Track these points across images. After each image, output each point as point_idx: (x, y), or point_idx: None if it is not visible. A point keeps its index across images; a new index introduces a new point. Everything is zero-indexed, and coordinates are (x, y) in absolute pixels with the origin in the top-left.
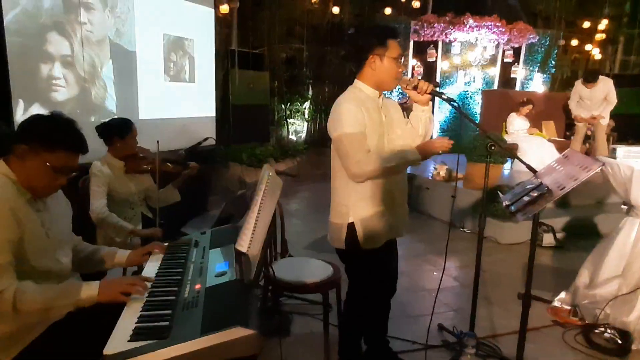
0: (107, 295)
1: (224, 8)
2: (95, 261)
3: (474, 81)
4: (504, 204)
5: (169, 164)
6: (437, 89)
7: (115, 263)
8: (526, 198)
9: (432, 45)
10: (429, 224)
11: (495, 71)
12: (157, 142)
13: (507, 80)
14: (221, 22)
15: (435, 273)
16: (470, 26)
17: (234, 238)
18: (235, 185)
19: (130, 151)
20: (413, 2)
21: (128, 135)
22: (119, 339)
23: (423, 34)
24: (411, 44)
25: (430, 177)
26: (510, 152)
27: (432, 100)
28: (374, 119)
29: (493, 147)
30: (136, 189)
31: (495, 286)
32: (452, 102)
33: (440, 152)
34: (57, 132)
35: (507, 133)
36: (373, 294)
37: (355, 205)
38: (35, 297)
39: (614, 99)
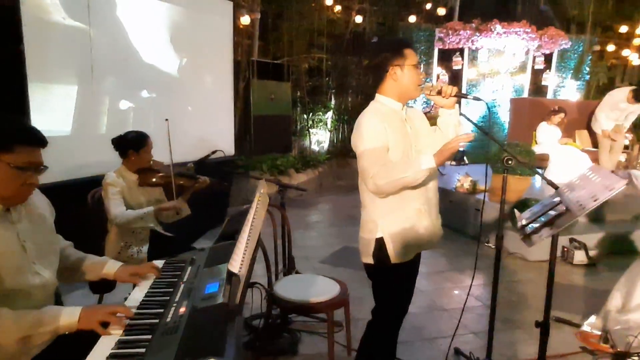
0: (87, 324)
1: (245, 19)
2: (77, 272)
3: (502, 89)
4: (520, 224)
5: (181, 178)
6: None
7: (102, 274)
8: (543, 218)
9: (457, 53)
10: (451, 239)
11: (525, 78)
12: (166, 119)
13: (538, 87)
14: (241, 33)
15: (456, 292)
16: (498, 33)
17: (229, 257)
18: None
19: (145, 164)
20: (438, 9)
21: (143, 149)
22: None
23: (448, 42)
24: (435, 52)
25: (453, 189)
26: (527, 165)
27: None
28: (398, 132)
29: (510, 162)
30: (147, 202)
31: (520, 308)
32: (472, 100)
33: (460, 149)
34: (9, 129)
35: (536, 143)
36: (400, 311)
37: (384, 220)
38: (12, 324)
39: None
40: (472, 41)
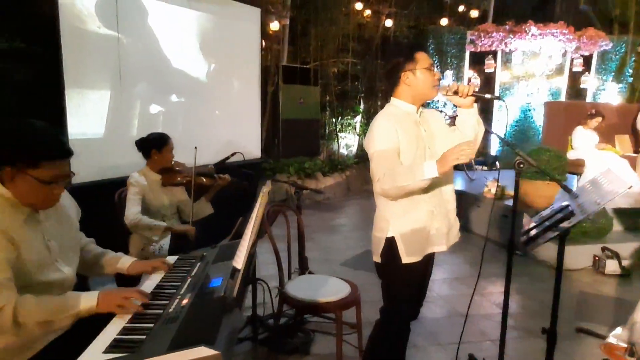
0: (105, 306)
1: (274, 25)
2: (95, 266)
3: (537, 92)
4: (525, 228)
5: (203, 178)
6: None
7: (117, 269)
8: (548, 222)
9: (490, 56)
10: (477, 244)
11: (562, 81)
12: (195, 147)
13: (576, 91)
14: (271, 39)
15: (477, 298)
16: (533, 34)
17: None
18: (282, 199)
19: (167, 164)
20: (471, 11)
21: (164, 149)
22: (96, 350)
23: (480, 44)
24: (467, 54)
25: (481, 194)
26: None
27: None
28: (410, 135)
29: (522, 165)
30: (169, 202)
31: (544, 317)
32: (488, 98)
33: (463, 161)
34: (34, 144)
35: (572, 148)
36: (408, 311)
37: (395, 219)
38: (35, 310)
39: None
40: (506, 43)
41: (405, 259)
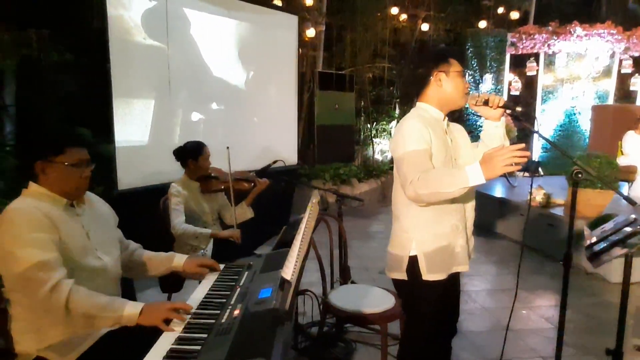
0: (148, 319)
1: (310, 32)
2: (148, 269)
3: (583, 95)
4: (588, 242)
5: (241, 182)
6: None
7: (172, 267)
8: (614, 237)
9: (532, 58)
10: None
11: (610, 84)
12: (227, 148)
13: (625, 93)
14: (306, 45)
15: (523, 312)
16: (578, 35)
17: (283, 264)
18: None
19: (204, 172)
20: (511, 13)
21: (201, 157)
22: (154, 358)
23: (521, 47)
24: (507, 57)
25: (525, 202)
26: (600, 179)
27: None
28: (439, 140)
29: (580, 175)
30: (210, 208)
31: (597, 333)
32: (519, 118)
33: (515, 169)
34: (57, 136)
35: (622, 154)
36: (432, 331)
37: (418, 234)
38: (85, 301)
39: None
40: (549, 45)
41: (427, 275)
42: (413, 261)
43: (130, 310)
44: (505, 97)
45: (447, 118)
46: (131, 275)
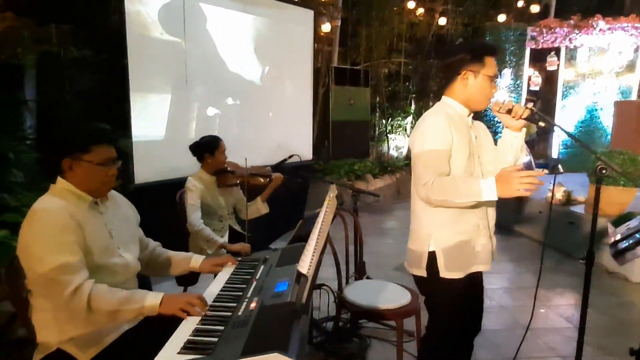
0: (168, 308)
1: (325, 27)
2: (167, 268)
3: (605, 91)
4: (613, 240)
5: (257, 177)
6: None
7: (190, 268)
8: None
9: (552, 53)
10: (539, 253)
11: (633, 79)
12: (245, 159)
13: None
14: (322, 40)
15: (542, 310)
16: (600, 29)
17: (299, 258)
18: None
19: (220, 166)
20: (531, 6)
21: (217, 151)
22: (171, 350)
23: (542, 41)
24: (527, 52)
25: (544, 199)
26: (626, 175)
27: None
28: (463, 138)
29: (605, 171)
30: (226, 202)
31: (618, 333)
32: (546, 125)
33: (528, 194)
34: (83, 133)
35: None
36: (454, 329)
37: (438, 231)
38: (106, 298)
39: None
40: (570, 39)
41: (444, 273)
42: (432, 257)
43: (151, 301)
44: (524, 93)
45: (472, 114)
46: (150, 273)
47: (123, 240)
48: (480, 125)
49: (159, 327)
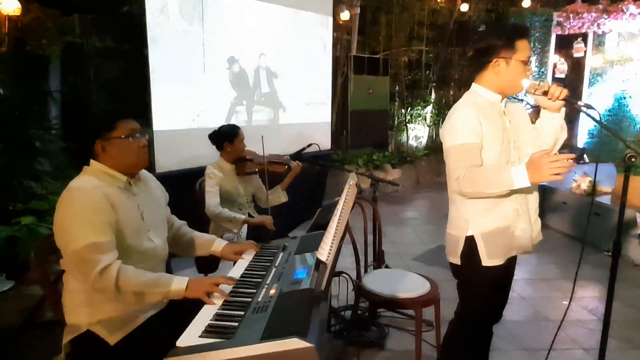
0: (194, 292)
1: (344, 15)
2: (190, 248)
3: (635, 78)
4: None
5: (275, 165)
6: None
7: (211, 251)
8: None
9: (579, 39)
10: (563, 244)
11: None
12: (262, 137)
13: None
14: (341, 29)
15: (564, 302)
16: (631, 14)
17: (319, 246)
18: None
19: (239, 154)
20: None
21: (236, 140)
22: (193, 333)
23: (568, 27)
24: (553, 38)
25: (568, 190)
26: None
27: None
28: (495, 126)
29: (634, 159)
30: (245, 191)
31: None
32: (585, 110)
33: (559, 178)
34: (105, 115)
35: None
36: (484, 315)
37: (476, 218)
38: (133, 279)
39: None
40: (599, 25)
41: (487, 261)
42: (471, 244)
43: (177, 285)
44: (549, 80)
45: (505, 99)
46: (173, 251)
47: (153, 222)
48: (515, 108)
49: (182, 312)
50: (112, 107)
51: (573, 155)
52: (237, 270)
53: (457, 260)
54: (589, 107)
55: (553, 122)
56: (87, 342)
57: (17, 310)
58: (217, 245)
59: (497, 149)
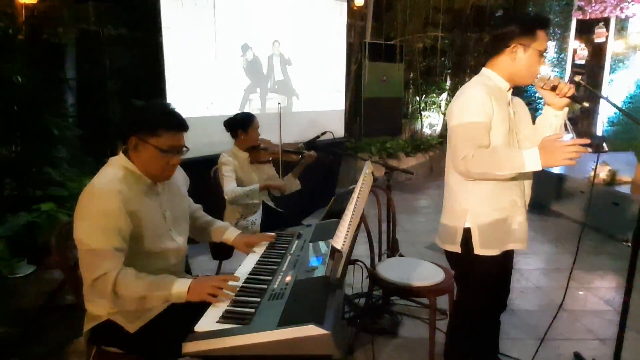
0: (196, 295)
1: (359, 1)
2: (203, 233)
3: None
4: None
5: (289, 154)
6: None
7: (223, 239)
8: None
9: (601, 23)
10: (578, 234)
11: None
12: (279, 103)
13: None
14: (355, 15)
15: (581, 292)
16: None
17: (333, 233)
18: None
19: (253, 142)
20: None
21: (250, 128)
22: (210, 319)
23: (590, 11)
24: (573, 23)
25: (586, 179)
26: None
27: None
28: (503, 111)
29: None
30: (258, 178)
31: None
32: (590, 106)
33: (571, 163)
34: (155, 116)
35: None
36: (483, 305)
37: (474, 207)
38: (132, 284)
39: None
40: (621, 9)
41: (479, 249)
42: (467, 233)
43: (179, 288)
44: (569, 66)
45: (511, 90)
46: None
47: (176, 221)
48: (518, 102)
49: (184, 313)
50: (164, 109)
51: (587, 140)
52: (252, 258)
53: (456, 249)
54: (602, 97)
55: (555, 120)
56: (107, 330)
57: (38, 293)
58: (229, 234)
59: (504, 134)
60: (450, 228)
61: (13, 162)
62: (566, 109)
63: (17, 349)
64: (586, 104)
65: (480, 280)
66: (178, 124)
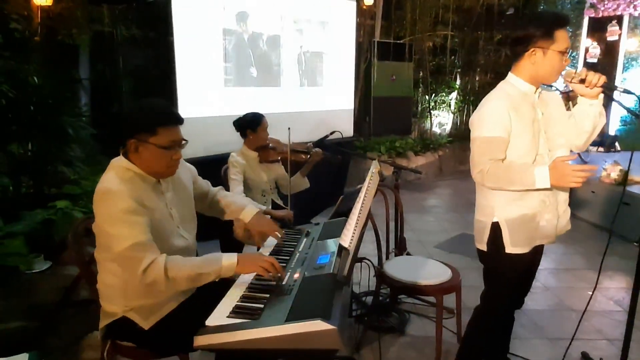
0: (247, 266)
1: (368, 0)
2: (225, 212)
3: None
4: None
5: (298, 153)
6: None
7: (240, 217)
8: None
9: (614, 21)
10: (590, 234)
11: None
12: (289, 128)
13: None
14: (364, 14)
15: (590, 293)
16: None
17: (341, 232)
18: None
19: (262, 142)
20: None
21: (259, 128)
22: (221, 313)
23: (602, 9)
24: (585, 20)
25: (597, 179)
26: None
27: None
28: (526, 119)
29: None
30: (268, 177)
31: None
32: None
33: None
34: (151, 116)
35: None
36: (508, 302)
37: (502, 206)
38: (183, 265)
39: None
40: (635, 6)
41: (510, 248)
42: (496, 231)
43: (229, 260)
44: (580, 65)
45: (539, 89)
46: (210, 214)
47: (183, 218)
48: (549, 97)
49: (211, 297)
50: (156, 107)
51: (596, 167)
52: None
53: (483, 247)
54: (628, 92)
55: (591, 109)
56: (122, 327)
57: (54, 288)
58: (246, 213)
59: (527, 141)
60: (481, 224)
61: (29, 161)
62: (601, 97)
63: (36, 341)
64: (619, 89)
65: (510, 277)
66: (174, 118)
